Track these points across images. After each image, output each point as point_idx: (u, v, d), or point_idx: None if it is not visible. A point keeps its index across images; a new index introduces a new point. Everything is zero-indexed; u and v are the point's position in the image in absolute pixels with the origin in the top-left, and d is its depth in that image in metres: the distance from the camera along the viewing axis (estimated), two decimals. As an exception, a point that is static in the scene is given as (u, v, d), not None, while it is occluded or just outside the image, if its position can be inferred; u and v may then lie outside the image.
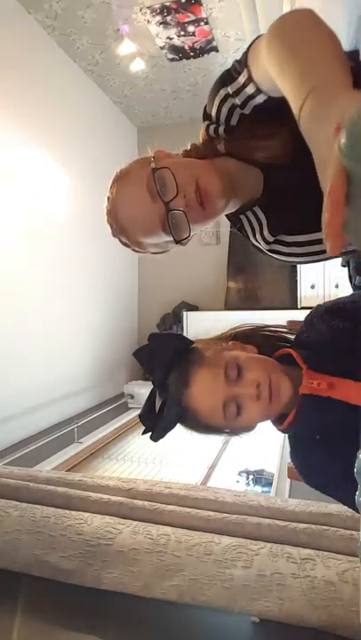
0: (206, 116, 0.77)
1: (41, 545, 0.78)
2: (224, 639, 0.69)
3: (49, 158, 3.22)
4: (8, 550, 0.79)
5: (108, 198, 0.78)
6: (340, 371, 0.62)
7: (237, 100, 0.69)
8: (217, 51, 3.46)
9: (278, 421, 0.71)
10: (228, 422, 0.66)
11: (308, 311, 0.75)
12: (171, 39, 3.32)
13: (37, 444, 2.70)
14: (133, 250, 0.80)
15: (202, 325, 3.81)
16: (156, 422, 0.70)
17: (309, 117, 0.41)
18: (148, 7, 2.99)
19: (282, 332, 0.80)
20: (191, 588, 0.69)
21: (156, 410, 0.71)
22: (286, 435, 0.73)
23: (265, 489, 2.40)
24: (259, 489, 2.45)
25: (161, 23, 3.15)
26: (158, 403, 0.71)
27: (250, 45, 0.65)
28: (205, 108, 0.77)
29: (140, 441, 3.08)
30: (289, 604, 0.65)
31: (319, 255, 0.79)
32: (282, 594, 0.66)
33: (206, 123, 0.78)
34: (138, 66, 3.53)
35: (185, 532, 0.81)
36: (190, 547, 0.76)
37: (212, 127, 0.77)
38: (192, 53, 3.50)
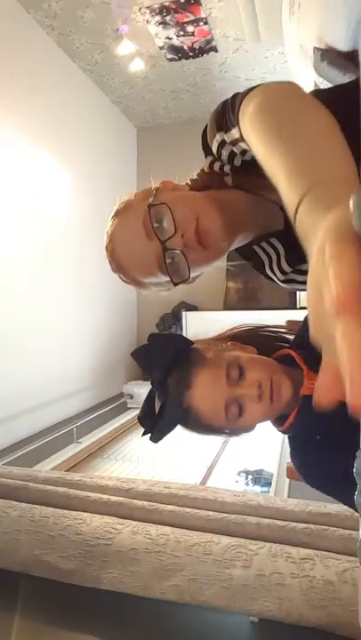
0: (208, 150, 0.71)
1: (40, 545, 0.78)
2: (223, 639, 0.69)
3: (48, 158, 3.22)
4: (7, 550, 0.79)
5: (107, 232, 0.74)
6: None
7: (235, 150, 0.65)
8: (216, 51, 3.46)
9: (279, 422, 0.71)
10: (230, 423, 0.66)
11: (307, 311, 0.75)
12: (170, 39, 3.32)
13: (36, 443, 2.70)
14: (136, 287, 0.76)
15: (201, 325, 3.81)
16: (155, 424, 0.70)
17: (307, 225, 0.34)
18: (147, 7, 2.99)
19: (281, 332, 0.80)
20: (190, 588, 0.69)
21: (156, 411, 0.71)
22: (286, 435, 0.73)
23: (264, 489, 2.40)
24: (258, 489, 2.45)
25: (160, 23, 3.15)
26: (158, 404, 0.71)
27: (242, 97, 0.57)
28: (205, 138, 0.70)
29: (139, 441, 3.08)
30: (288, 603, 0.65)
31: None
32: (281, 594, 0.66)
33: (210, 159, 0.72)
34: (137, 66, 3.53)
35: (184, 531, 0.81)
36: (189, 547, 0.76)
37: (216, 164, 0.71)
38: (191, 53, 3.50)
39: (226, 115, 0.62)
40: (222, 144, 0.65)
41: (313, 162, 0.38)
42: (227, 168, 0.70)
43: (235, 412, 0.65)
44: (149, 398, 0.74)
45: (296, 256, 0.74)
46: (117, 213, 0.74)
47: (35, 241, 3.03)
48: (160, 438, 0.71)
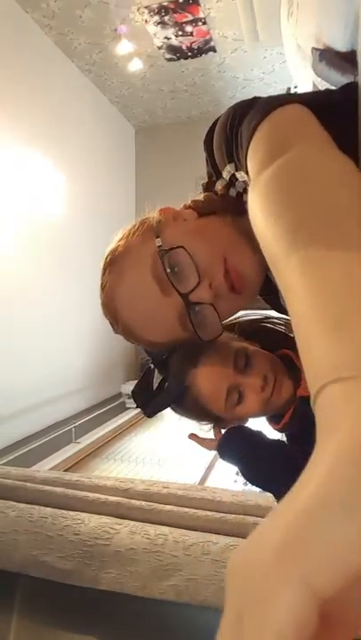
0: (217, 172, 0.58)
1: (38, 545, 0.78)
2: (222, 639, 0.69)
3: (46, 158, 3.21)
4: (5, 550, 0.78)
5: (103, 287, 0.60)
6: None
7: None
8: (215, 51, 3.46)
9: (274, 421, 0.71)
10: (227, 409, 0.66)
11: None
12: (168, 39, 3.32)
13: (35, 444, 2.70)
14: (150, 349, 0.66)
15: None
16: (152, 398, 0.70)
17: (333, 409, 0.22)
18: (145, 7, 2.99)
19: (281, 325, 0.80)
20: (189, 588, 0.69)
21: (154, 386, 0.70)
22: (283, 435, 0.73)
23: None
24: (256, 489, 2.45)
25: (159, 23, 3.15)
26: (157, 379, 0.70)
27: (252, 131, 0.44)
28: (214, 159, 0.57)
29: (137, 441, 3.08)
30: (286, 603, 0.65)
31: None
32: (279, 593, 0.66)
33: (223, 182, 0.58)
34: (136, 66, 3.53)
35: (183, 531, 0.81)
36: (188, 547, 0.76)
37: (232, 190, 0.58)
38: (190, 53, 3.50)
39: (234, 147, 0.51)
40: (235, 176, 0.54)
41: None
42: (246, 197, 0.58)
43: (234, 399, 0.65)
44: (146, 375, 0.73)
45: None
46: (113, 262, 0.58)
47: (33, 241, 3.02)
48: (154, 413, 0.70)
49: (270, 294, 0.67)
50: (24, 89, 2.97)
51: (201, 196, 0.62)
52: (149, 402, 0.70)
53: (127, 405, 3.84)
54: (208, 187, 0.62)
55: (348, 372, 0.21)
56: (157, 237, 0.54)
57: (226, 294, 0.53)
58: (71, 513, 0.86)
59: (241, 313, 0.78)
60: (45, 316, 3.15)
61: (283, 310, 0.74)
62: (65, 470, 2.51)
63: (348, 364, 0.21)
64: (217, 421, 0.72)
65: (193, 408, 0.69)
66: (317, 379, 0.23)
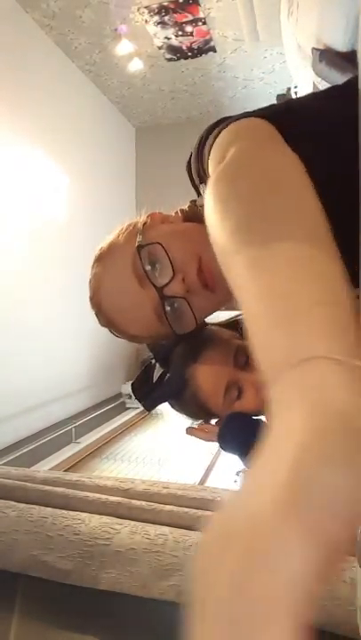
0: (197, 191, 0.61)
1: (38, 545, 0.78)
2: (222, 639, 0.69)
3: (46, 158, 3.21)
4: (5, 551, 0.78)
5: (90, 281, 0.65)
6: None
7: None
8: (215, 51, 3.46)
9: None
10: (225, 405, 0.67)
11: None
12: (169, 39, 3.32)
13: (35, 444, 2.69)
14: (130, 341, 0.68)
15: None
16: (152, 391, 0.70)
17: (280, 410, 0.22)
18: (145, 7, 2.99)
19: None
20: (189, 588, 0.69)
21: (154, 379, 0.71)
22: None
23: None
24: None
25: (159, 23, 3.15)
26: (158, 373, 0.71)
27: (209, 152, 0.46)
28: (202, 167, 0.58)
29: (138, 441, 3.08)
30: (287, 603, 0.65)
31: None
32: (280, 593, 0.66)
33: (201, 200, 0.61)
34: (136, 66, 3.53)
35: (183, 531, 0.81)
36: (188, 547, 0.76)
37: None
38: (190, 53, 3.50)
39: (200, 164, 0.53)
40: None
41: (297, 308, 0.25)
42: None
43: (233, 395, 0.65)
44: (147, 369, 0.73)
45: None
46: (100, 259, 0.63)
47: (34, 241, 3.02)
48: (153, 406, 0.70)
49: None
50: (24, 89, 2.97)
51: (186, 207, 0.66)
52: (148, 394, 0.70)
53: (127, 405, 3.84)
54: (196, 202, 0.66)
55: (301, 356, 0.22)
56: (139, 235, 0.58)
57: (199, 290, 0.56)
58: (71, 513, 0.86)
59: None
60: (45, 316, 3.15)
61: None
62: (65, 470, 2.51)
63: (300, 350, 0.23)
64: (214, 417, 0.72)
65: (191, 403, 0.69)
66: (274, 367, 0.24)
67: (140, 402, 0.71)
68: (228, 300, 0.62)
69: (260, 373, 0.67)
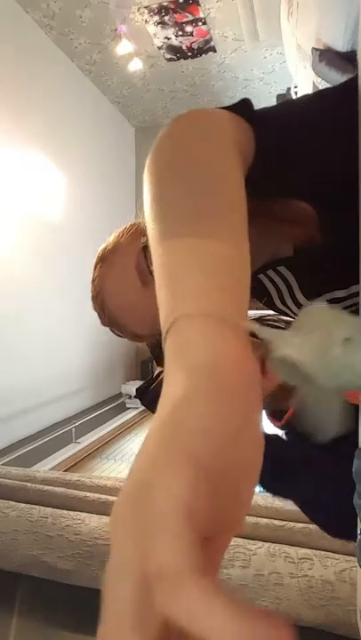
0: None
1: (38, 545, 0.78)
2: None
3: (46, 158, 3.22)
4: (5, 551, 0.78)
5: (93, 281, 0.65)
6: None
7: None
8: (215, 51, 3.46)
9: (276, 418, 0.71)
10: None
11: None
12: (168, 39, 3.33)
13: (35, 444, 2.70)
14: (132, 340, 0.69)
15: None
16: (149, 386, 0.70)
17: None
18: (145, 7, 2.99)
19: (282, 324, 0.80)
20: (189, 588, 0.69)
21: (154, 378, 0.71)
22: (283, 434, 0.73)
23: (262, 488, 2.40)
24: (256, 489, 2.45)
25: (159, 23, 3.15)
26: (157, 372, 0.71)
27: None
28: None
29: (138, 441, 3.08)
30: (287, 603, 0.65)
31: (356, 307, 0.66)
32: (279, 593, 0.67)
33: None
34: (136, 66, 3.53)
35: (183, 531, 0.81)
36: (188, 547, 0.76)
37: None
38: (190, 53, 3.50)
39: None
40: None
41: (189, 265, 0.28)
42: None
43: None
44: (153, 374, 0.74)
45: (311, 286, 0.65)
46: (103, 259, 0.63)
47: (34, 241, 3.02)
48: (150, 402, 0.70)
49: (264, 297, 0.70)
50: (24, 89, 2.97)
51: None
52: (146, 391, 0.70)
53: (127, 405, 3.84)
54: None
55: (175, 315, 0.25)
56: (144, 236, 0.58)
57: None
58: (71, 513, 0.86)
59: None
60: (46, 316, 3.15)
61: (279, 311, 0.73)
62: (65, 470, 2.51)
63: (176, 309, 0.26)
64: None
65: None
66: (163, 327, 0.27)
67: (139, 400, 0.71)
68: None
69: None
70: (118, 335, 0.68)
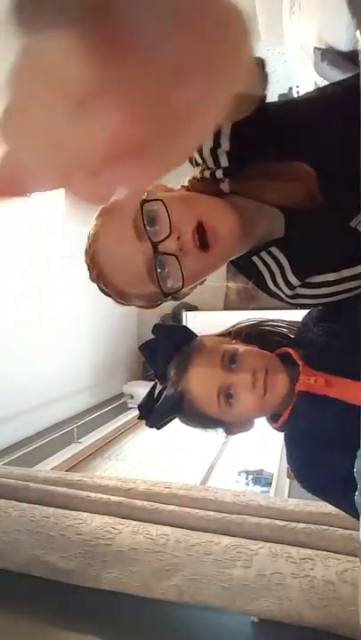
0: (196, 162, 0.64)
1: (40, 545, 0.78)
2: (223, 639, 0.69)
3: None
4: (7, 550, 0.79)
5: (89, 234, 0.66)
6: (338, 370, 0.62)
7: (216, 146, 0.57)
8: (216, 51, 3.46)
9: (273, 419, 0.71)
10: (223, 411, 0.66)
11: (307, 311, 0.75)
12: (170, 39, 3.33)
13: (36, 443, 2.70)
14: (116, 301, 0.68)
15: (201, 325, 3.80)
16: (152, 408, 0.70)
17: None
18: (147, 7, 2.99)
19: (282, 328, 0.80)
20: (190, 588, 0.69)
21: (155, 396, 0.71)
22: (283, 435, 0.73)
23: (264, 489, 2.40)
24: (258, 489, 2.45)
25: (160, 23, 3.15)
26: (158, 391, 0.71)
27: None
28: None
29: (139, 441, 3.08)
30: (288, 603, 0.65)
31: (349, 293, 0.68)
32: (281, 593, 0.66)
33: (199, 168, 0.64)
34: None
35: (184, 531, 0.81)
36: (189, 547, 0.76)
37: (207, 172, 0.63)
38: (191, 53, 3.50)
39: None
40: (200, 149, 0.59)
41: None
42: (219, 173, 0.62)
43: (227, 400, 0.65)
44: (152, 389, 0.74)
45: (303, 267, 0.66)
46: (102, 212, 0.65)
47: (34, 241, 3.03)
48: (156, 423, 0.70)
49: (258, 277, 0.71)
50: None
51: (186, 183, 0.68)
52: (150, 412, 0.70)
53: (129, 405, 3.84)
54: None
55: None
56: (144, 195, 0.59)
57: (192, 251, 0.57)
58: (73, 513, 0.86)
59: (241, 320, 0.80)
60: (47, 316, 3.16)
61: (272, 293, 0.74)
62: (67, 470, 2.51)
63: None
64: (221, 426, 0.72)
65: (191, 414, 0.70)
66: None
67: (145, 421, 0.72)
68: (218, 266, 0.63)
69: (248, 373, 0.66)
70: (105, 293, 0.68)
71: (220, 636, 0.70)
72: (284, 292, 0.70)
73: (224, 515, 0.86)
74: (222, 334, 0.78)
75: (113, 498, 0.92)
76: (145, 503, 0.90)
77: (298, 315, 0.79)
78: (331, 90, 0.67)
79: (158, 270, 0.58)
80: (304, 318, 0.75)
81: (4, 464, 2.29)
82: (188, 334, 0.74)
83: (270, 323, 0.81)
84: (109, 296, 0.67)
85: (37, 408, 3.01)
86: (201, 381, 0.67)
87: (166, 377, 0.70)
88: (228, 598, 0.67)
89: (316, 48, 1.32)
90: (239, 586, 0.68)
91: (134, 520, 0.86)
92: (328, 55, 1.28)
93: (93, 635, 0.68)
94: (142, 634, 0.69)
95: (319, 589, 0.67)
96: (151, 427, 0.70)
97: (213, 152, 0.59)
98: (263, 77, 0.56)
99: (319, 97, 0.66)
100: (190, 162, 0.65)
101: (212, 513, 0.87)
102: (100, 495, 0.94)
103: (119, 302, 0.68)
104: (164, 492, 0.96)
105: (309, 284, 0.68)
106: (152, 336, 0.75)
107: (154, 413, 0.70)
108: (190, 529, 0.83)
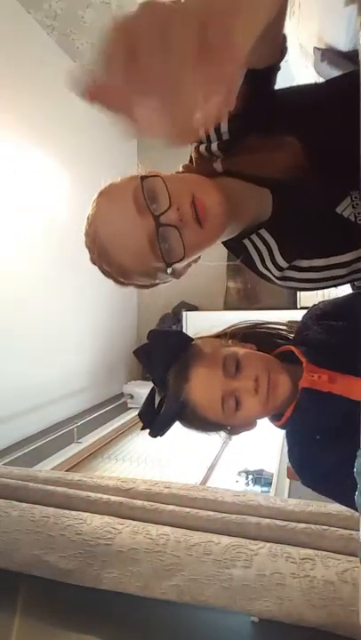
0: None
1: (40, 545, 0.78)
2: (224, 639, 0.69)
3: (47, 158, 3.22)
4: (7, 550, 0.79)
5: (88, 217, 0.68)
6: (341, 367, 0.62)
7: None
8: (216, 51, 3.46)
9: (276, 417, 0.71)
10: (227, 418, 0.66)
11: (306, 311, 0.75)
12: (170, 39, 3.33)
13: (37, 443, 2.70)
14: (117, 281, 0.69)
15: (201, 325, 3.79)
16: (154, 417, 0.70)
17: None
18: (147, 7, 2.99)
19: (280, 329, 0.80)
20: (190, 588, 0.69)
21: (156, 406, 0.71)
22: (285, 433, 0.73)
23: (264, 489, 2.40)
24: (258, 489, 2.45)
25: (160, 23, 3.15)
26: (158, 399, 0.71)
27: None
28: None
29: (139, 441, 3.08)
30: (288, 603, 0.65)
31: (337, 280, 0.71)
32: (281, 593, 0.66)
33: (194, 145, 0.68)
34: (137, 66, 3.53)
35: (184, 531, 0.81)
36: (190, 547, 0.76)
37: (202, 146, 0.67)
38: (191, 53, 3.50)
39: None
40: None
41: None
42: (214, 146, 0.66)
43: (232, 406, 0.65)
44: (150, 395, 0.74)
45: (291, 249, 0.69)
46: (101, 193, 0.67)
47: (34, 241, 3.03)
48: (159, 432, 0.70)
49: (248, 259, 0.74)
50: (26, 89, 2.97)
51: (180, 168, 0.72)
52: (152, 422, 0.70)
53: (129, 405, 3.84)
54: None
55: None
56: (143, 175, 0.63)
57: (191, 223, 0.60)
58: (73, 513, 0.86)
59: (238, 322, 0.80)
60: (47, 316, 3.15)
61: (261, 274, 0.76)
62: (67, 470, 2.51)
63: None
64: (224, 430, 0.72)
65: (195, 421, 0.69)
66: None
67: (147, 430, 0.72)
68: (212, 242, 0.65)
69: (250, 379, 0.67)
70: (106, 273, 0.68)
71: (220, 636, 0.70)
72: (272, 274, 0.73)
73: (224, 515, 0.86)
74: (218, 335, 0.78)
75: (113, 498, 0.92)
76: (145, 503, 0.90)
77: (297, 315, 0.79)
78: (338, 79, 0.72)
79: (161, 241, 0.59)
80: (304, 317, 0.75)
81: (4, 464, 2.28)
82: (184, 339, 0.74)
83: (268, 325, 0.81)
84: (111, 277, 0.68)
85: (37, 408, 3.01)
86: (204, 389, 0.66)
87: (165, 384, 0.70)
88: (229, 598, 0.67)
89: (315, 48, 1.32)
90: (239, 586, 0.68)
91: (134, 520, 0.86)
92: (328, 55, 1.28)
93: (93, 635, 0.68)
94: (142, 634, 0.69)
95: (319, 589, 0.66)
96: (154, 436, 0.70)
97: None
98: (283, 45, 0.62)
99: (325, 84, 0.69)
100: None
101: (212, 513, 0.87)
102: (100, 495, 0.93)
103: (120, 282, 0.69)
104: (164, 492, 0.96)
105: (298, 268, 0.70)
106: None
107: (157, 424, 0.70)
108: (190, 529, 0.83)
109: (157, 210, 0.59)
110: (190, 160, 0.72)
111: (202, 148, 0.67)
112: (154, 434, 0.70)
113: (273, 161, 0.64)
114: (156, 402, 0.71)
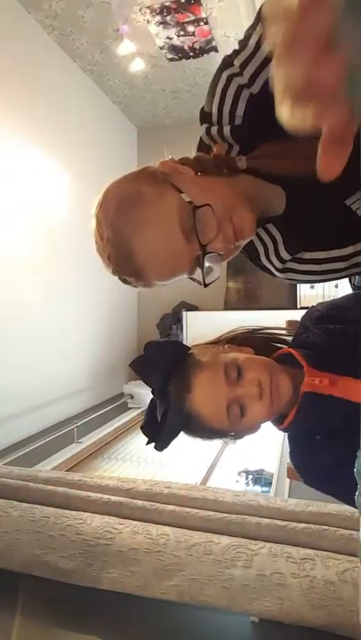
0: (205, 117, 0.68)
1: (40, 545, 0.78)
2: (223, 639, 0.69)
3: (48, 158, 3.22)
4: (7, 550, 0.79)
5: (112, 227, 0.62)
6: (341, 369, 0.63)
7: (245, 76, 0.58)
8: (216, 51, 3.46)
9: (278, 421, 0.71)
10: (233, 424, 0.66)
11: (304, 312, 0.76)
12: (170, 39, 3.33)
13: (37, 443, 2.70)
14: (135, 286, 0.69)
15: (201, 325, 3.81)
16: (159, 431, 0.70)
17: None
18: (147, 7, 2.99)
19: (278, 333, 0.80)
20: (191, 588, 0.69)
21: (158, 419, 0.70)
22: (286, 435, 0.73)
23: (264, 489, 2.40)
24: (258, 489, 2.45)
25: (160, 23, 3.15)
26: (160, 411, 0.70)
27: None
28: (203, 108, 0.68)
29: (139, 441, 3.08)
30: (289, 603, 0.65)
31: (337, 273, 0.71)
32: (281, 594, 0.66)
33: (205, 126, 0.68)
34: (137, 66, 3.53)
35: (184, 531, 0.81)
36: (190, 546, 0.76)
37: (213, 129, 0.66)
38: (192, 53, 3.50)
39: (233, 51, 0.58)
40: (228, 82, 0.60)
41: None
42: (227, 130, 0.65)
43: (237, 413, 0.65)
44: (151, 407, 0.73)
45: (296, 244, 0.70)
46: (128, 208, 0.62)
47: (34, 241, 3.03)
48: (165, 446, 0.70)
49: (251, 252, 0.75)
50: (26, 89, 2.97)
51: (191, 157, 0.70)
52: (157, 436, 0.70)
53: (129, 405, 3.84)
54: (200, 150, 0.72)
55: None
56: (182, 193, 0.61)
57: (229, 246, 0.62)
58: (73, 513, 0.86)
59: (235, 327, 0.80)
60: (47, 316, 3.15)
61: (262, 267, 0.77)
62: (67, 470, 2.51)
63: None
64: (228, 436, 0.72)
65: (200, 431, 0.69)
66: None
67: (152, 444, 0.71)
68: (234, 255, 0.67)
69: (253, 384, 0.67)
70: (124, 281, 0.66)
71: (220, 636, 0.70)
72: (274, 266, 0.74)
73: (224, 515, 0.86)
74: (214, 342, 0.78)
75: (113, 498, 0.92)
76: (145, 503, 0.90)
77: (297, 315, 0.79)
78: None
79: (203, 267, 0.62)
80: (303, 319, 0.75)
81: (4, 464, 2.28)
82: (181, 349, 0.74)
83: (265, 331, 0.81)
84: (125, 282, 0.67)
85: (37, 408, 3.01)
86: (208, 399, 0.66)
87: (166, 395, 0.69)
88: (229, 598, 0.67)
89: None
90: (239, 586, 0.68)
91: (134, 520, 0.86)
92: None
93: (93, 635, 0.68)
94: (142, 634, 0.69)
95: (319, 589, 0.66)
96: (160, 450, 0.70)
97: (239, 91, 0.61)
98: None
99: None
100: (200, 143, 0.69)
101: (212, 513, 0.87)
102: (100, 495, 0.93)
103: (143, 287, 0.69)
104: (164, 492, 0.96)
105: (299, 260, 0.71)
106: (152, 335, 0.75)
107: (162, 437, 0.69)
108: (190, 529, 0.83)
109: (205, 239, 0.60)
110: (199, 148, 0.71)
111: (213, 130, 0.67)
112: (160, 448, 0.70)
113: (295, 166, 0.62)
114: (159, 415, 0.70)
